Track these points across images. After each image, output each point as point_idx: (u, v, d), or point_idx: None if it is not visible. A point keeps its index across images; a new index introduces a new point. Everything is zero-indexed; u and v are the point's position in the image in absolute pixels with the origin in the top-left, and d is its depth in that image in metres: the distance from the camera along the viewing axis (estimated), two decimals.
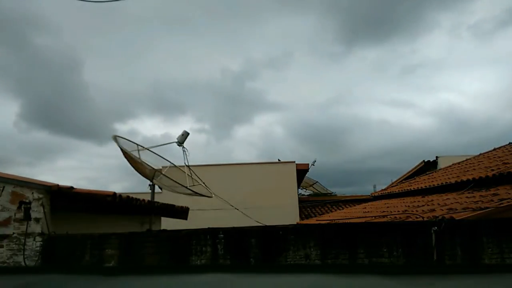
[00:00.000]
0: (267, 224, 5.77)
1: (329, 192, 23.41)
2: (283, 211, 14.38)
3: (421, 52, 44.62)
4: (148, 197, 7.79)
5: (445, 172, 11.84)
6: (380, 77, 48.75)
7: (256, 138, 47.59)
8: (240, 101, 49.77)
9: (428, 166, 16.46)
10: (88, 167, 44.04)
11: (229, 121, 49.88)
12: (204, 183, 8.32)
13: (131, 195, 6.66)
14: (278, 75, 48.50)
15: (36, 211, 5.06)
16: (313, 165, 19.23)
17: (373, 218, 8.25)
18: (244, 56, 50.95)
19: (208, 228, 4.96)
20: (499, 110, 43.99)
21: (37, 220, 5.04)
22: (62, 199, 5.34)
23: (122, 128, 48.50)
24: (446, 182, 9.48)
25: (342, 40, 48.97)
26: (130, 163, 7.43)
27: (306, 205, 17.80)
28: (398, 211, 8.05)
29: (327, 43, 47.06)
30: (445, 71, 46.45)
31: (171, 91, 48.12)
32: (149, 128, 48.28)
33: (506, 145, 11.09)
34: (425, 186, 10.65)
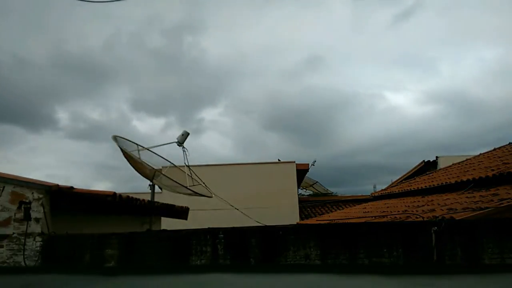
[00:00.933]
0: (267, 224, 5.77)
1: (329, 192, 23.46)
2: (283, 211, 14.38)
3: None
4: (148, 197, 7.79)
5: (445, 172, 11.83)
6: (365, 31, 38.32)
7: (228, 127, 41.15)
8: (185, 65, 39.20)
9: (428, 166, 16.50)
10: (51, 164, 37.71)
11: (182, 95, 40.51)
12: (204, 183, 8.33)
13: (131, 195, 6.66)
14: (227, 20, 37.52)
15: (36, 211, 5.05)
16: (313, 165, 19.31)
17: (373, 218, 8.25)
18: None
19: (208, 228, 4.96)
20: None
21: (37, 220, 5.04)
22: (62, 199, 5.34)
23: (62, 109, 38.93)
24: (446, 182, 9.48)
25: None
26: (130, 163, 7.44)
27: (306, 205, 17.82)
28: (398, 211, 8.05)
29: None
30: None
31: (88, 54, 35.06)
32: (92, 108, 39.33)
33: (506, 145, 11.09)
34: (425, 186, 10.65)
